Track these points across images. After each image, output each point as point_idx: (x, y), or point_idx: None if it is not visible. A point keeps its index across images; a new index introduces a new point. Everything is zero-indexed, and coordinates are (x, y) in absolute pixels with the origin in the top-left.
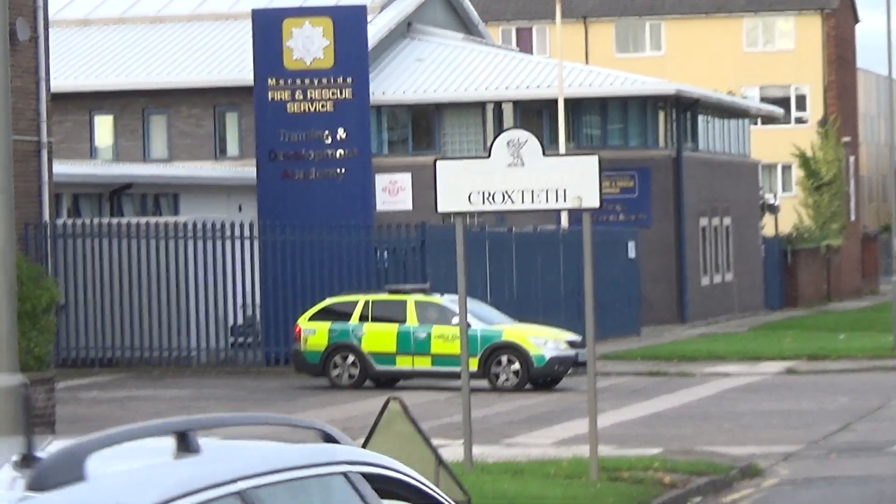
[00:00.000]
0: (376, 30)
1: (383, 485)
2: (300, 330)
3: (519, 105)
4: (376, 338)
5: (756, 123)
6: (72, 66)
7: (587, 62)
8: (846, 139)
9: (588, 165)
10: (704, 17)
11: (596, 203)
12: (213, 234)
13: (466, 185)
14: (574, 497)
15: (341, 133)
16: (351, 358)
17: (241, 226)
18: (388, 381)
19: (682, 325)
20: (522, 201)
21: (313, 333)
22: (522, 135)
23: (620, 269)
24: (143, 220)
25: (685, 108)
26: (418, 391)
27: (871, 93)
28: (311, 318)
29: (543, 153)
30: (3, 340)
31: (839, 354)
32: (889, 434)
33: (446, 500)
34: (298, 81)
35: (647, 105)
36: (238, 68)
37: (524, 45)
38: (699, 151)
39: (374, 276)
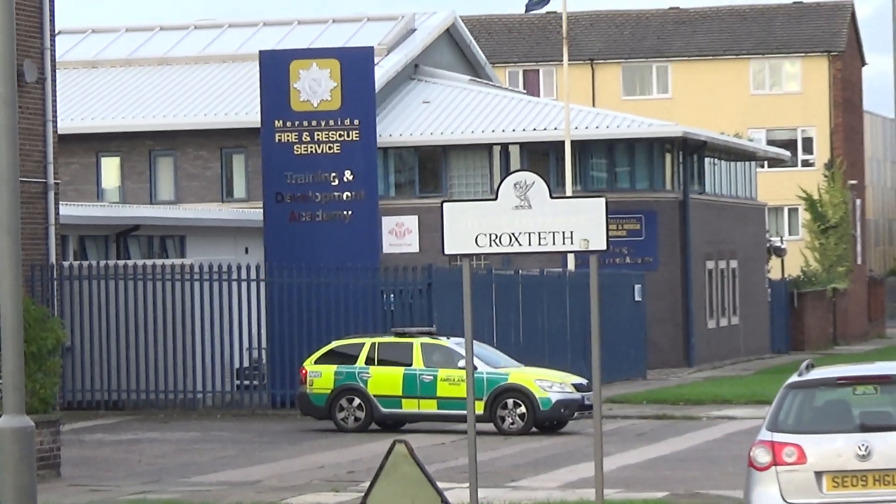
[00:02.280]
0: (383, 72)
1: None
2: (306, 372)
3: (526, 147)
4: (382, 381)
5: (763, 166)
6: (79, 107)
7: (594, 104)
8: (853, 182)
9: (595, 208)
10: (711, 59)
11: (603, 245)
12: (219, 277)
13: (473, 227)
14: None
15: (348, 175)
16: (357, 401)
17: (248, 268)
18: (394, 424)
19: (688, 368)
20: (529, 244)
21: (319, 376)
22: (530, 177)
23: (626, 312)
24: (149, 262)
25: (692, 151)
26: (424, 434)
27: (878, 136)
28: (316, 361)
29: (551, 195)
30: (9, 381)
31: None
32: None
33: None
34: (305, 123)
35: (653, 147)
36: (245, 110)
37: (531, 87)
38: (706, 194)
39: (381, 319)
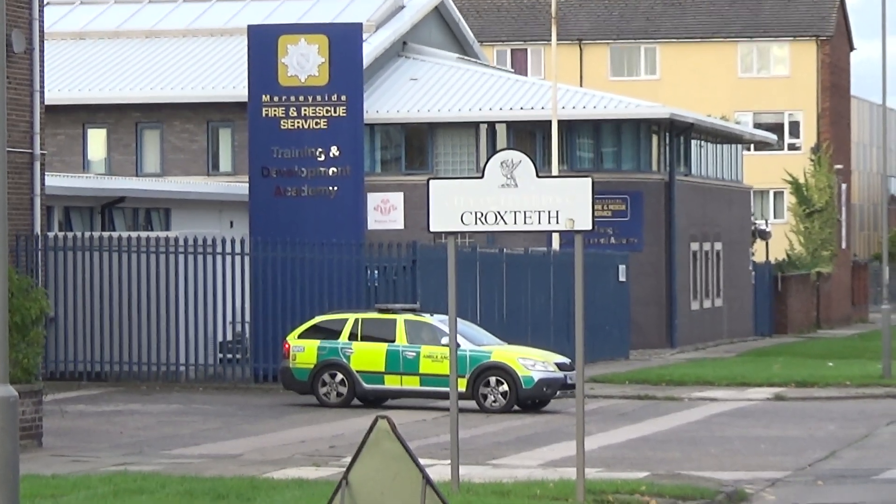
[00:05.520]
0: (371, 48)
1: None
2: (289, 347)
3: (512, 126)
4: (365, 356)
5: (749, 149)
6: (66, 78)
7: (581, 84)
8: (839, 167)
9: (581, 187)
10: (699, 41)
11: (588, 225)
12: (203, 250)
13: (459, 204)
14: None
15: (334, 151)
16: (339, 376)
17: (233, 242)
18: (376, 400)
19: (671, 349)
20: (515, 222)
21: (302, 351)
22: (516, 156)
23: (610, 292)
24: (134, 234)
25: (679, 133)
26: (406, 411)
27: (865, 121)
28: (300, 336)
29: (537, 175)
30: None
31: (827, 382)
32: (876, 462)
33: None
34: (292, 98)
35: (640, 129)
36: (232, 84)
37: (519, 66)
38: (692, 176)
39: (365, 295)
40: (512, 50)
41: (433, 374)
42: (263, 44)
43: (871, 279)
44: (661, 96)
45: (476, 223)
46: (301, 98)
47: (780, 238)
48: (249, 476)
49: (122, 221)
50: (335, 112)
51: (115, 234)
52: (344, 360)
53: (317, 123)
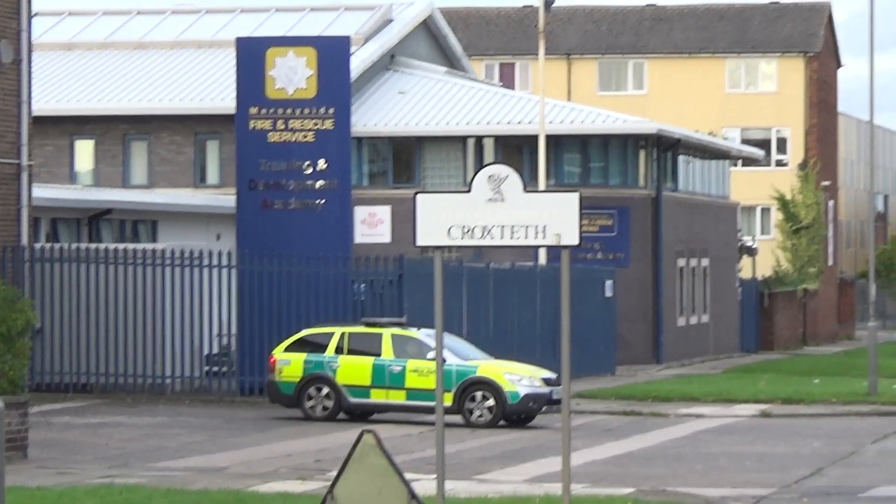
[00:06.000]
0: (359, 61)
1: None
2: (275, 360)
3: (500, 140)
4: (351, 370)
5: (736, 165)
6: (54, 89)
7: (569, 99)
8: (826, 183)
9: (568, 202)
10: (687, 57)
11: (575, 240)
12: (190, 262)
13: (446, 218)
14: None
15: (322, 164)
16: (325, 390)
17: (220, 254)
18: (362, 414)
19: (657, 365)
20: (502, 237)
21: (288, 364)
22: (504, 170)
23: (597, 307)
24: (121, 246)
25: (666, 148)
26: (392, 425)
27: (852, 138)
28: (286, 349)
29: (524, 189)
30: None
31: (813, 399)
32: (861, 480)
33: None
34: (280, 111)
35: (627, 144)
36: (220, 96)
37: (507, 80)
38: (679, 192)
39: (351, 309)
40: (500, 64)
41: (419, 389)
42: (251, 56)
43: (858, 296)
44: (648, 111)
45: (463, 237)
46: (289, 111)
47: (766, 254)
48: (235, 489)
49: (109, 233)
50: (323, 125)
51: (101, 246)
52: (330, 373)
53: (304, 136)
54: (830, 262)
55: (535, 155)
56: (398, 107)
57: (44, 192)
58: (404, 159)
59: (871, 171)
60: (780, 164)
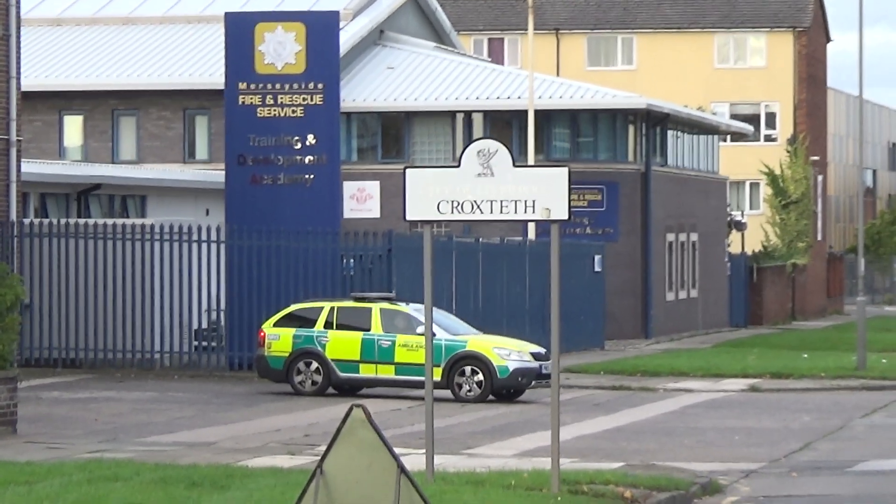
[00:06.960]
0: (348, 36)
1: None
2: (264, 335)
3: (489, 115)
4: (340, 345)
5: (725, 140)
6: (43, 64)
7: (558, 74)
8: (815, 158)
9: (557, 177)
10: (676, 32)
11: (564, 215)
12: (179, 237)
13: (435, 193)
14: None
15: (311, 139)
16: (314, 364)
17: (208, 229)
18: (351, 389)
19: (646, 339)
20: (491, 211)
21: (277, 339)
22: (493, 145)
23: (586, 282)
24: (109, 221)
25: (655, 123)
26: (381, 399)
27: (841, 112)
28: (275, 324)
29: (514, 164)
30: None
31: (802, 373)
32: (850, 454)
33: None
34: (269, 86)
35: (616, 119)
36: (209, 71)
37: (496, 55)
38: (668, 167)
39: (340, 284)
40: (489, 39)
41: (408, 363)
42: (240, 31)
43: (847, 271)
44: (637, 86)
45: (452, 212)
46: (278, 86)
47: (755, 229)
48: (224, 464)
49: (98, 208)
50: (312, 100)
51: (90, 221)
52: (319, 348)
53: (293, 111)
54: (819, 237)
55: (524, 130)
56: (387, 82)
57: (32, 167)
58: (393, 134)
59: (860, 145)
60: (769, 139)
